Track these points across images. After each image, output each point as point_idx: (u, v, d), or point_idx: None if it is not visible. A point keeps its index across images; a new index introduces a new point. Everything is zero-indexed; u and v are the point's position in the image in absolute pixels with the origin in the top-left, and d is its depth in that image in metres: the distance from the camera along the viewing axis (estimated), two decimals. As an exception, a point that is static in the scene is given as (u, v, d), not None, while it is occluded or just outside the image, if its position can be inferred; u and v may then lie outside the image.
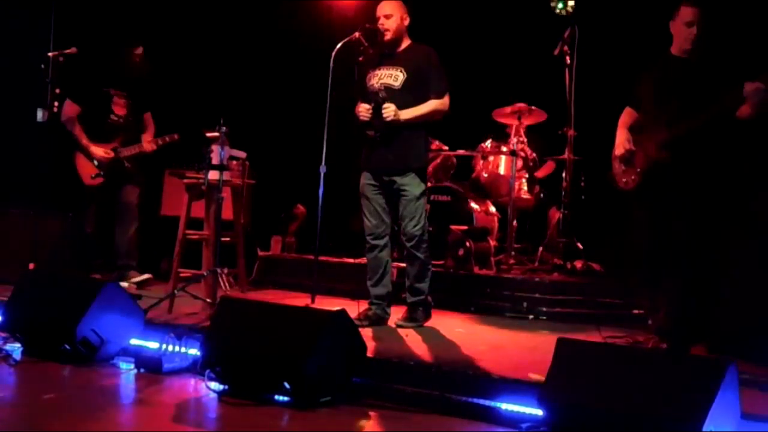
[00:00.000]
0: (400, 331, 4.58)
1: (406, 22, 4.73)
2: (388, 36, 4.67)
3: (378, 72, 4.71)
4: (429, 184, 6.27)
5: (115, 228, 5.93)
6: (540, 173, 6.66)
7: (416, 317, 4.72)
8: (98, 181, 5.77)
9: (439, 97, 4.62)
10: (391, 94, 4.59)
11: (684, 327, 3.93)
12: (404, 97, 4.59)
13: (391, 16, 4.67)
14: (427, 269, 4.77)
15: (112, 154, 5.78)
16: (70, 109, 5.78)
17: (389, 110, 4.52)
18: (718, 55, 4.09)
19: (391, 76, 4.66)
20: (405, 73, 4.64)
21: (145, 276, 5.76)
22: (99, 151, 5.78)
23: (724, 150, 4.00)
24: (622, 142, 4.31)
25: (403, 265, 4.91)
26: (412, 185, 4.64)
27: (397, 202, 4.70)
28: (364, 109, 4.61)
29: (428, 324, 4.78)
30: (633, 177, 4.23)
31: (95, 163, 5.77)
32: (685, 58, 4.14)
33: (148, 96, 6.05)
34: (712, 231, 4.01)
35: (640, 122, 4.32)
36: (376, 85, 4.66)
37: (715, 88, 3.90)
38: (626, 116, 4.41)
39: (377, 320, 4.69)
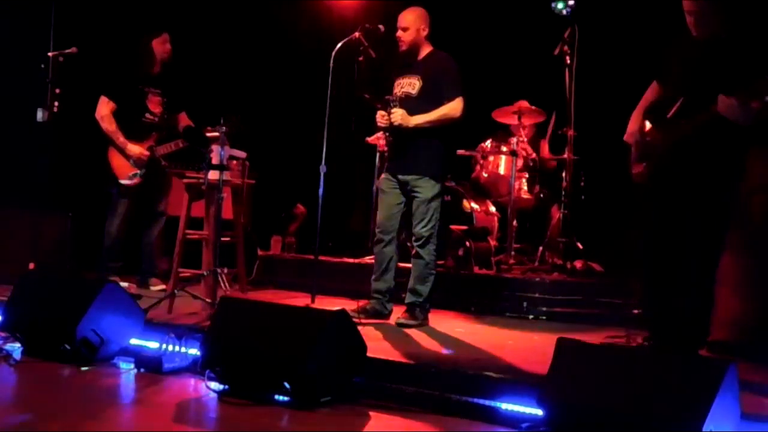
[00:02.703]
0: (400, 330, 4.58)
1: (424, 33, 4.84)
2: (402, 48, 4.82)
3: (401, 81, 4.88)
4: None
5: (144, 230, 5.88)
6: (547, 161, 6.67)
7: (416, 316, 4.75)
8: (136, 181, 5.68)
9: (450, 101, 4.72)
10: (409, 101, 4.75)
11: (694, 329, 3.90)
12: (420, 103, 4.73)
13: (408, 29, 4.79)
14: (430, 272, 4.81)
15: (148, 153, 5.66)
16: (106, 106, 5.65)
17: (396, 115, 4.70)
18: (734, 40, 3.78)
19: (410, 85, 4.82)
20: (421, 81, 4.78)
21: (163, 286, 5.69)
22: (135, 149, 5.63)
23: (725, 151, 3.87)
24: (631, 131, 4.06)
25: (410, 265, 4.95)
26: (425, 188, 4.76)
27: (410, 203, 4.83)
28: (380, 116, 4.81)
29: (428, 324, 4.78)
30: (643, 171, 4.03)
31: (132, 162, 5.68)
32: (699, 39, 3.85)
33: (181, 92, 5.93)
34: (720, 232, 3.93)
35: (661, 101, 4.03)
36: (398, 94, 4.82)
37: (724, 80, 3.65)
38: (649, 93, 4.12)
39: (375, 314, 4.76)
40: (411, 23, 4.79)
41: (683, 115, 3.84)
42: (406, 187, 4.82)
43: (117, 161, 5.69)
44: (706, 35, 3.83)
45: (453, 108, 4.71)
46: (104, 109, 5.66)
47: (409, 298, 4.80)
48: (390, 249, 4.85)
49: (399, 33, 4.80)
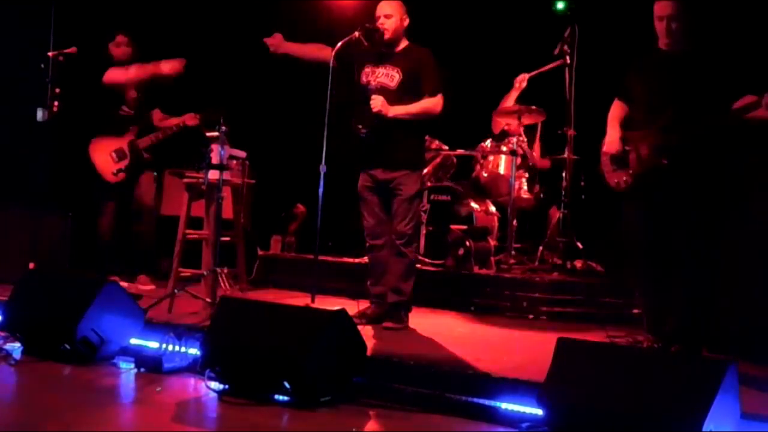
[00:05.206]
0: (400, 331, 4.58)
1: (405, 23, 4.74)
2: (387, 35, 4.67)
3: (375, 71, 4.73)
4: (429, 184, 6.31)
5: (133, 225, 5.88)
6: (540, 164, 6.65)
7: (400, 318, 4.67)
8: (121, 176, 5.69)
9: (432, 96, 4.63)
10: (386, 93, 4.61)
11: (696, 328, 3.91)
12: (399, 97, 4.61)
13: (391, 17, 4.67)
14: (413, 269, 4.75)
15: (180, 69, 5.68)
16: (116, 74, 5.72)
17: (376, 101, 4.54)
18: (711, 51, 3.93)
19: (388, 76, 4.68)
20: (401, 74, 4.66)
21: (150, 287, 5.66)
22: (168, 64, 5.66)
23: (722, 154, 3.90)
24: (614, 140, 4.15)
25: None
26: (406, 185, 4.65)
27: (391, 201, 4.72)
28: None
29: (428, 324, 4.78)
30: (625, 178, 4.10)
31: (115, 156, 5.69)
32: (672, 53, 3.99)
33: (154, 89, 5.96)
34: (713, 232, 3.97)
35: (630, 116, 4.18)
36: (373, 83, 4.68)
37: (713, 91, 3.77)
38: (616, 109, 4.26)
39: (376, 318, 4.71)
40: (395, 11, 4.67)
41: (680, 123, 3.87)
42: (388, 186, 4.70)
43: (99, 159, 5.71)
44: (679, 44, 3.93)
45: (435, 103, 4.62)
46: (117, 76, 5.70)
47: (391, 297, 4.70)
48: (384, 253, 4.77)
49: (382, 21, 4.65)
